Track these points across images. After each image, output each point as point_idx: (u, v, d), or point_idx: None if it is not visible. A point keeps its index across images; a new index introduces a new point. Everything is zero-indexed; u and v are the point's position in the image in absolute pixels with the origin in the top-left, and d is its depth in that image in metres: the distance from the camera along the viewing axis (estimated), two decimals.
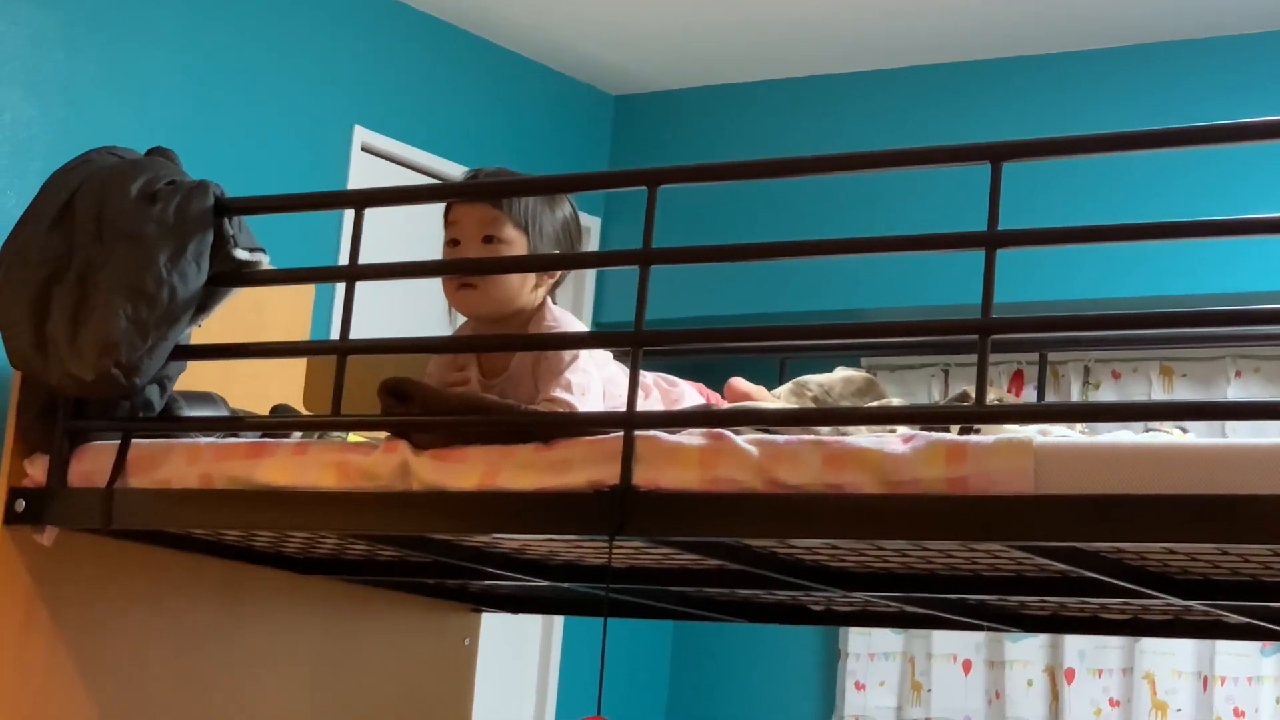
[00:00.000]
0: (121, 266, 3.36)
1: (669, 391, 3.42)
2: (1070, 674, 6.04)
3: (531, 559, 3.73)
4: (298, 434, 3.41)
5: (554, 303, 3.41)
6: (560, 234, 3.38)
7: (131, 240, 3.38)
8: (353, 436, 3.37)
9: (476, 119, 6.23)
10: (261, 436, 3.41)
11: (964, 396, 3.31)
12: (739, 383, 3.37)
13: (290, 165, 5.56)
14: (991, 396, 2.83)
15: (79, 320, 3.37)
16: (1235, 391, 5.86)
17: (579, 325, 3.49)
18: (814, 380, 3.41)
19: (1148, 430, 3.24)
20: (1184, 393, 6.01)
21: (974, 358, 2.77)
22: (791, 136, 6.31)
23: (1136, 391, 6.06)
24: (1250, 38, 5.68)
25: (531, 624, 6.41)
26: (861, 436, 2.88)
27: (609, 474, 2.96)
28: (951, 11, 5.83)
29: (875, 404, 3.31)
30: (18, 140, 4.88)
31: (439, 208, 3.43)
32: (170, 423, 3.52)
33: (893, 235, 3.14)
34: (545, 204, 3.36)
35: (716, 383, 3.57)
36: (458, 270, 3.33)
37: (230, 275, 3.46)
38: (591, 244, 6.55)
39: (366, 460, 3.21)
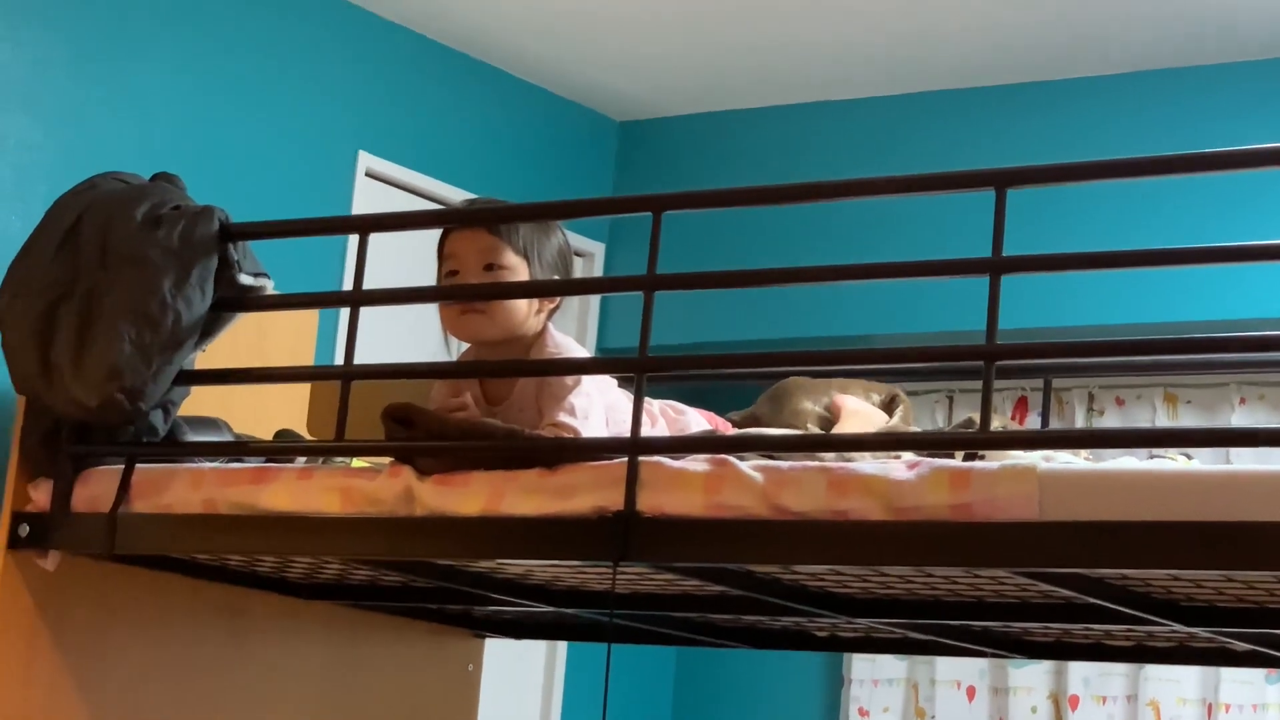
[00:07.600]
0: (126, 292, 3.37)
1: (676, 420, 3.41)
2: (1074, 701, 6.02)
3: (535, 584, 3.73)
4: (301, 459, 3.41)
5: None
6: (557, 260, 3.40)
7: (136, 265, 3.38)
8: (356, 462, 3.36)
9: (481, 144, 6.23)
10: (265, 462, 3.41)
11: (969, 423, 3.31)
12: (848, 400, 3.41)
13: (294, 190, 5.56)
14: (995, 423, 2.82)
15: (83, 345, 3.37)
16: (1240, 418, 5.85)
17: (580, 350, 3.49)
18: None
19: (1152, 457, 3.23)
20: (1188, 419, 6.00)
21: (978, 384, 2.77)
22: (796, 162, 6.31)
23: (1140, 418, 6.05)
24: (1256, 64, 5.68)
25: (535, 650, 6.39)
26: (866, 462, 2.87)
27: (613, 499, 2.96)
28: (956, 38, 5.83)
29: (882, 430, 3.31)
30: (22, 164, 4.88)
31: (436, 237, 3.43)
32: (174, 448, 3.52)
33: (897, 261, 3.13)
34: (540, 231, 3.38)
35: (721, 409, 3.58)
36: (464, 295, 3.33)
37: (234, 300, 3.46)
38: (596, 270, 6.54)
39: (370, 485, 3.21)
